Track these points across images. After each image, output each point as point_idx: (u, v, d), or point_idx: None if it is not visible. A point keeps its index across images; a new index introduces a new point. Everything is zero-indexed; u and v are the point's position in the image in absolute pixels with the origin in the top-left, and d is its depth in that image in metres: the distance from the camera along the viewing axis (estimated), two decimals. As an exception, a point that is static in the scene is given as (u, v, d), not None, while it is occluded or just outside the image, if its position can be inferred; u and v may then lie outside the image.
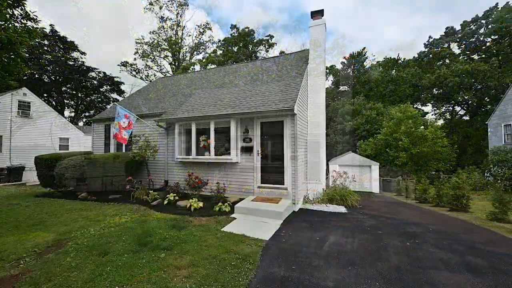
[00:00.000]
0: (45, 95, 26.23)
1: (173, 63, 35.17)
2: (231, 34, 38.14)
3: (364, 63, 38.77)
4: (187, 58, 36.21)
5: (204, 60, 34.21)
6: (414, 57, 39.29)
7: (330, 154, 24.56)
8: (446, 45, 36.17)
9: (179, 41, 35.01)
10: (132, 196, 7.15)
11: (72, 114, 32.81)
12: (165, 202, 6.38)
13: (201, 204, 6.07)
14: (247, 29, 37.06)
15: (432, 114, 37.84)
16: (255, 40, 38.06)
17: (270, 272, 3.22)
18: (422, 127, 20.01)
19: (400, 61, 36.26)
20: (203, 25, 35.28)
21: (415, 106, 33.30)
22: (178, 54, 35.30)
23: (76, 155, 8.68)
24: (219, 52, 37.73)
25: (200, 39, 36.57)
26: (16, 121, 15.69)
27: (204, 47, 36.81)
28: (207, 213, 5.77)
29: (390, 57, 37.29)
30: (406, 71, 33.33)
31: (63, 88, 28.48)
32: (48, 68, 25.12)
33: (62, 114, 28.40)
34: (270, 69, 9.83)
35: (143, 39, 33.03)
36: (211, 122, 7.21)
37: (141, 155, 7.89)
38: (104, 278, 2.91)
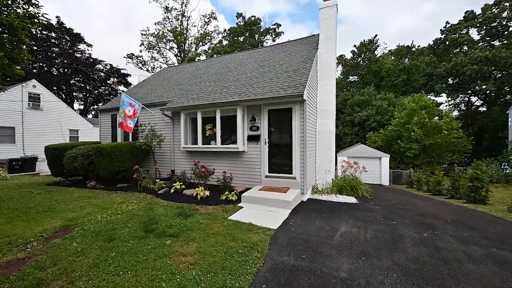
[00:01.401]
0: (54, 88, 26.63)
1: (178, 54, 34.90)
2: (237, 23, 37.39)
3: (375, 52, 37.34)
4: (193, 49, 35.83)
5: (209, 51, 33.74)
6: (429, 44, 37.54)
7: (338, 146, 24.09)
8: (464, 31, 34.30)
9: (184, 31, 34.57)
10: (139, 185, 7.13)
11: (82, 107, 33.39)
12: (172, 191, 6.32)
13: (207, 193, 5.97)
14: (253, 18, 36.18)
15: (446, 105, 36.36)
16: (261, 29, 37.17)
17: (279, 261, 3.08)
18: (437, 117, 19.17)
19: (414, 49, 34.64)
20: (208, 14, 34.64)
21: (428, 96, 32.02)
22: (184, 45, 34.95)
23: (84, 144, 8.73)
24: (225, 42, 37.14)
25: (205, 29, 35.99)
26: (27, 113, 16.00)
27: (209, 38, 36.25)
28: (213, 201, 5.67)
29: (403, 45, 35.72)
30: (420, 59, 31.88)
31: (72, 81, 28.83)
32: (57, 61, 25.40)
33: (72, 107, 28.88)
34: (278, 55, 9.46)
35: (148, 30, 32.79)
36: (217, 110, 7.02)
37: (147, 144, 7.83)
38: (109, 263, 2.84)
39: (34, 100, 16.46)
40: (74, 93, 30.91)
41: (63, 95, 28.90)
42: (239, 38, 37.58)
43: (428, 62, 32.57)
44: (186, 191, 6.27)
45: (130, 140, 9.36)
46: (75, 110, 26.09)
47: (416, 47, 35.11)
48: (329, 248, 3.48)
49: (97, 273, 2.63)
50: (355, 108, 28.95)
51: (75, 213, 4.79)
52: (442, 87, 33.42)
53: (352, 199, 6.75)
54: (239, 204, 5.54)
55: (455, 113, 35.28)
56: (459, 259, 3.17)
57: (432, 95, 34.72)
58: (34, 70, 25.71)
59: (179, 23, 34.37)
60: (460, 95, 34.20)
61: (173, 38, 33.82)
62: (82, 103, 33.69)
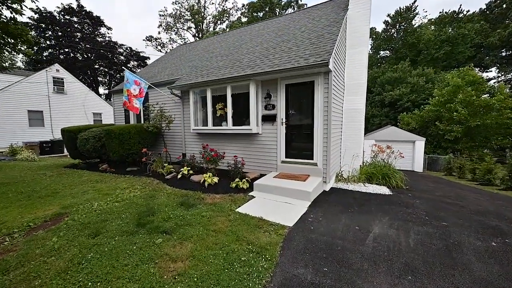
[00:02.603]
0: (80, 73, 27.59)
1: (196, 34, 33.89)
2: (256, -2, 34.85)
3: (413, 22, 32.78)
4: (211, 29, 34.50)
5: (228, 29, 32.20)
6: (480, 9, 31.88)
7: (365, 129, 22.21)
8: (529, -11, 28.39)
9: (202, 10, 33.16)
10: (149, 169, 6.78)
11: (106, 91, 34.62)
12: (179, 176, 5.82)
13: (216, 179, 5.36)
14: (273, -10, 33.39)
15: (496, 82, 31.35)
16: (282, 3, 34.34)
17: (293, 274, 2.35)
18: (487, 95, 16.33)
19: (461, 15, 29.67)
20: (226, -11, 32.56)
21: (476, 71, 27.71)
22: (201, 25, 33.73)
23: (97, 127, 8.56)
24: (244, 19, 35.13)
25: (223, 6, 34.17)
26: (53, 97, 16.61)
27: (227, 15, 34.48)
28: (222, 189, 5.06)
29: (448, 12, 30.74)
30: (468, 27, 27.27)
31: (96, 66, 29.61)
32: (80, 45, 26.00)
33: (97, 91, 29.92)
34: (299, 22, 8.14)
35: (166, 11, 31.96)
36: (228, 86, 6.19)
37: (155, 126, 7.36)
38: (81, 268, 2.34)
39: (58, 84, 16.97)
40: (98, 78, 31.95)
41: (89, 80, 30.00)
42: (259, 13, 35.24)
43: (478, 30, 27.82)
44: (194, 177, 5.73)
45: (142, 122, 9.02)
46: (100, 94, 26.97)
47: (464, 12, 29.99)
48: (360, 258, 2.66)
49: (62, 282, 2.13)
50: (385, 86, 26.17)
51: (74, 199, 4.48)
52: (493, 60, 28.72)
53: (384, 190, 5.73)
54: (250, 193, 4.86)
55: (506, 90, 30.39)
56: (560, 290, 2.17)
57: (479, 70, 30.08)
58: (61, 56, 26.67)
59: (197, 1, 32.96)
60: (517, 68, 29.14)
61: (190, 17, 32.71)
62: (107, 87, 34.88)
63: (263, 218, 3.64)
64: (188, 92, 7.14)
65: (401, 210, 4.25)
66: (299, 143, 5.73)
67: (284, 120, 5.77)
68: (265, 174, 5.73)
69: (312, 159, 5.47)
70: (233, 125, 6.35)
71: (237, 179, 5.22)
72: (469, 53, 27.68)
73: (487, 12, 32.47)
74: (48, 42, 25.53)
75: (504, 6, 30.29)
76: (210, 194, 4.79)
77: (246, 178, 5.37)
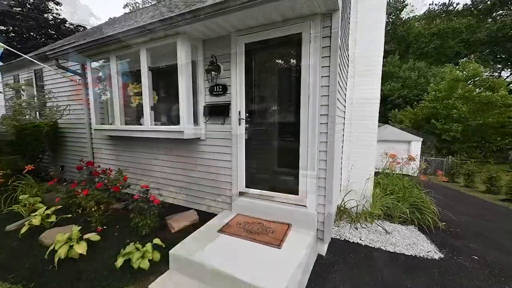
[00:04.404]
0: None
1: None
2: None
3: (401, 15, 31.34)
4: None
5: None
6: (465, 4, 31.05)
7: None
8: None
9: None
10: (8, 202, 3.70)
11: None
12: (23, 230, 2.81)
13: (83, 247, 2.40)
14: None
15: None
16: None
17: None
18: (488, 92, 14.67)
19: (451, 7, 28.56)
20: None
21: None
22: None
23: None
24: None
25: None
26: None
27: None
28: (91, 272, 2.20)
29: (437, 4, 29.54)
30: (458, 21, 26.12)
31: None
32: (27, 24, 21.34)
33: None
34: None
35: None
36: (142, 50, 3.29)
37: (10, 123, 4.20)
38: None
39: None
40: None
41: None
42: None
43: (466, 26, 26.80)
44: (48, 235, 2.72)
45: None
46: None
47: (454, 5, 28.94)
48: None
49: None
50: (375, 81, 24.33)
51: None
52: (480, 57, 27.94)
53: (419, 238, 3.25)
54: (159, 280, 2.07)
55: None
56: None
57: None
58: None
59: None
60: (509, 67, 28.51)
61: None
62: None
63: None
64: (85, 67, 4.11)
65: None
66: (273, 159, 3.01)
67: (244, 115, 3.00)
68: (207, 221, 2.94)
69: (297, 193, 2.77)
70: (156, 122, 3.49)
71: (130, 247, 2.34)
72: (458, 49, 26.63)
73: (472, 8, 31.87)
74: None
75: (488, 2, 29.67)
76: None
77: (171, 229, 2.55)
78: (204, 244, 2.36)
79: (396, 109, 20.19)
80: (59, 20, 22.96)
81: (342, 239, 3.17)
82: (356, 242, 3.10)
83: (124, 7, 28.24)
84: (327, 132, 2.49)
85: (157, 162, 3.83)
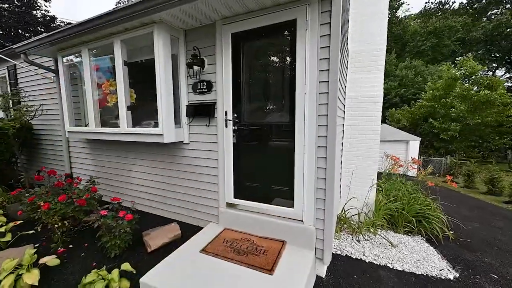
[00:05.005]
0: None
1: None
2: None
3: (397, 13, 31.22)
4: None
5: None
6: (461, 3, 31.07)
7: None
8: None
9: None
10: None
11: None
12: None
13: (33, 278, 2.01)
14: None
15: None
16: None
17: None
18: (488, 91, 14.46)
19: (447, 6, 28.52)
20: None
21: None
22: None
23: None
24: None
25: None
26: None
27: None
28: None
29: (434, 2, 29.48)
30: (454, 19, 26.06)
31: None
32: (14, 21, 20.57)
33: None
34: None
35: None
36: (115, 41, 2.89)
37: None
38: None
39: None
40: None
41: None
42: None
43: (463, 24, 26.76)
44: None
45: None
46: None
47: (450, 3, 28.90)
48: None
49: None
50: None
51: None
52: (479, 54, 27.92)
53: (427, 250, 2.95)
54: None
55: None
56: None
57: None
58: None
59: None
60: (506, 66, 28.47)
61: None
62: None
63: None
64: (60, 60, 3.68)
65: None
66: (265, 166, 2.64)
67: (231, 116, 2.62)
68: (189, 235, 2.56)
69: (292, 206, 2.41)
70: (135, 125, 3.09)
71: (92, 275, 1.94)
72: (454, 47, 26.58)
73: (467, 7, 31.91)
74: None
75: (484, 1, 29.71)
76: None
77: (147, 246, 2.17)
78: (182, 270, 1.98)
79: (393, 108, 19.99)
80: (48, 18, 22.18)
81: (344, 255, 2.82)
82: (359, 258, 2.75)
83: (116, 5, 27.49)
84: (326, 136, 2.13)
85: (136, 169, 3.44)
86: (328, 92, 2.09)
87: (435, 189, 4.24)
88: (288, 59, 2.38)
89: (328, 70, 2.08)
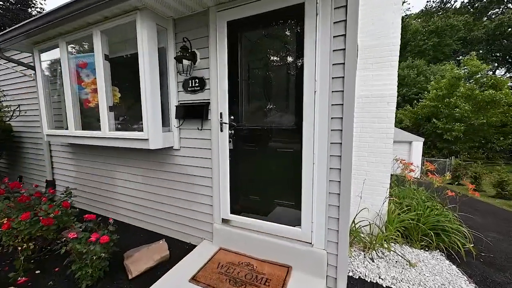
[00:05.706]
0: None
1: None
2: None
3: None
4: None
5: None
6: (462, 2, 30.79)
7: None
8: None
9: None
10: None
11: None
12: None
13: None
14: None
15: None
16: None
17: None
18: (492, 90, 14.13)
19: (448, 5, 28.21)
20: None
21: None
22: None
23: None
24: None
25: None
26: None
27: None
28: None
29: (434, 1, 29.17)
30: (455, 18, 25.75)
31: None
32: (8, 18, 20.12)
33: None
34: None
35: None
36: (94, 31, 2.51)
37: None
38: None
39: None
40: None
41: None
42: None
43: (465, 23, 26.47)
44: None
45: None
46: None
47: (452, 2, 28.60)
48: None
49: None
50: (372, 79, 23.83)
51: None
52: (480, 54, 27.63)
53: (452, 273, 2.54)
54: None
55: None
56: None
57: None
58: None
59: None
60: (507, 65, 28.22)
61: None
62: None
63: None
64: (37, 55, 3.30)
65: None
66: (266, 177, 2.27)
67: (227, 119, 2.25)
68: (179, 255, 2.19)
69: (299, 225, 2.04)
70: (117, 128, 2.72)
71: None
72: (455, 46, 26.28)
73: (468, 6, 31.65)
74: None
75: (485, 0, 29.45)
76: None
77: (128, 274, 1.81)
78: (165, 309, 1.61)
79: (396, 108, 19.68)
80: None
81: (357, 277, 2.45)
82: (375, 281, 2.38)
83: None
84: (341, 143, 1.77)
85: (121, 176, 3.06)
86: (343, 90, 1.73)
87: (439, 190, 3.89)
88: (295, 51, 2.02)
89: (344, 63, 1.72)
